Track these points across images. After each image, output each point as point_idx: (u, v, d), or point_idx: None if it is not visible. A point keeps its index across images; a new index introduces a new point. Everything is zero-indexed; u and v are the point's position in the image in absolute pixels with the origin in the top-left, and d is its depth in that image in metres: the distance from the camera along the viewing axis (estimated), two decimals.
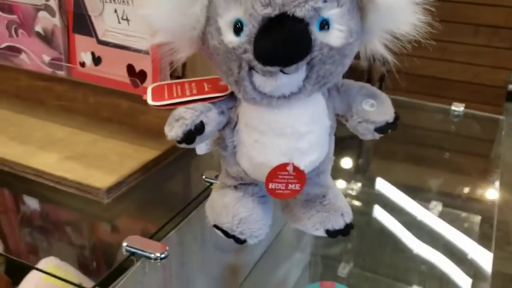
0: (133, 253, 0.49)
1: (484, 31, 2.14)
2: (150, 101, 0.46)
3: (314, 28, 0.38)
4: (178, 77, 0.64)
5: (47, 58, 0.69)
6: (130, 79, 0.63)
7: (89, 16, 0.63)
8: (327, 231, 0.50)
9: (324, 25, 0.38)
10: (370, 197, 0.86)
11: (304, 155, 0.45)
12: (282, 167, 0.45)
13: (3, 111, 0.74)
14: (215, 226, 0.49)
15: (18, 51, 0.71)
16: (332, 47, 0.39)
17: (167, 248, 0.49)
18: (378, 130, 0.45)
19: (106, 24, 0.63)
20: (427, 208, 0.83)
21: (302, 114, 0.44)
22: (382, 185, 0.87)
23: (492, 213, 0.76)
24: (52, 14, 0.66)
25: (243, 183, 0.50)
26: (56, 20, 0.66)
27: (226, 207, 0.49)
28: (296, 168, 0.45)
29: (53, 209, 0.60)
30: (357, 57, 0.47)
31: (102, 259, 0.57)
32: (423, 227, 0.80)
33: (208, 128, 0.44)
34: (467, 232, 0.78)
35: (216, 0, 0.40)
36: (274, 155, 0.44)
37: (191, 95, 0.46)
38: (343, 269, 0.81)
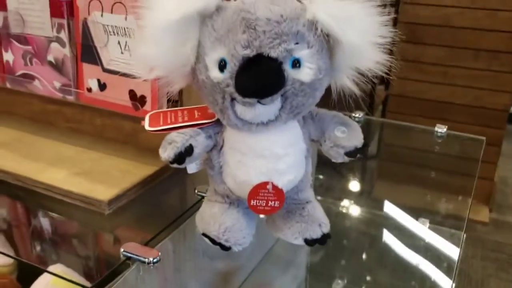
0: (129, 258, 0.55)
1: (485, 56, 2.17)
2: (147, 127, 0.53)
3: (287, 66, 0.44)
4: (175, 102, 0.70)
5: (58, 84, 0.76)
6: (131, 103, 0.69)
7: (96, 47, 0.70)
8: (305, 240, 0.54)
9: (296, 63, 0.44)
10: (363, 215, 0.89)
11: (282, 175, 0.50)
12: (263, 185, 0.50)
13: (18, 132, 0.81)
14: (204, 234, 0.54)
15: (32, 78, 0.78)
16: (303, 82, 0.45)
17: (160, 253, 0.54)
18: (348, 154, 0.50)
19: (111, 54, 0.69)
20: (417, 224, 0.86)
21: (279, 139, 0.49)
22: (388, 207, 0.89)
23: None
24: (63, 45, 0.73)
25: (229, 201, 0.55)
26: (66, 51, 0.73)
27: (213, 216, 0.54)
28: (275, 187, 0.50)
29: (59, 219, 0.66)
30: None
31: (103, 265, 0.62)
32: (417, 244, 0.82)
33: (196, 151, 0.50)
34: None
35: (204, 41, 0.46)
36: (255, 174, 0.50)
37: (183, 121, 0.52)
38: (337, 286, 0.84)
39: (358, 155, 0.50)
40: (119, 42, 0.68)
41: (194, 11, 0.45)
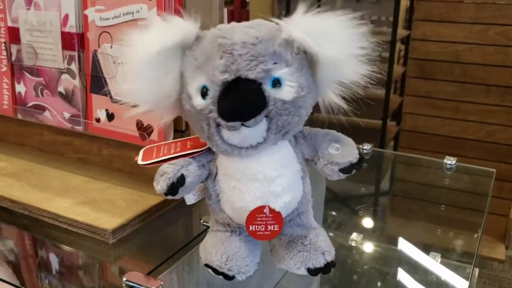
0: (131, 287, 0.54)
1: (496, 91, 2.16)
2: (139, 161, 0.54)
3: (267, 86, 0.44)
4: (181, 131, 0.71)
5: (67, 115, 0.77)
6: (139, 133, 0.70)
7: (104, 78, 0.72)
8: (308, 269, 0.53)
9: (276, 83, 0.45)
10: (374, 250, 0.87)
11: (278, 197, 0.50)
12: (259, 209, 0.49)
13: (27, 162, 0.81)
14: (206, 265, 0.54)
15: (43, 109, 0.80)
16: (285, 101, 0.45)
17: (162, 282, 0.54)
18: (343, 170, 0.49)
19: (119, 85, 0.71)
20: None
21: (271, 161, 0.49)
22: (400, 243, 0.87)
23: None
24: (73, 76, 0.75)
25: (230, 229, 0.55)
26: (76, 82, 0.75)
27: (215, 246, 0.54)
28: (272, 210, 0.50)
29: (64, 248, 0.66)
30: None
31: None
32: (429, 280, 0.80)
33: (188, 180, 0.50)
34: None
35: (185, 71, 0.47)
36: (250, 199, 0.50)
37: (175, 152, 0.53)
38: None
39: (354, 171, 0.50)
40: None
41: (172, 44, 0.46)
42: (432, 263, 0.82)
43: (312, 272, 0.53)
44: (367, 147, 1.00)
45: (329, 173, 0.50)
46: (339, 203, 0.93)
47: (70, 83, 0.76)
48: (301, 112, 0.47)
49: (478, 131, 2.20)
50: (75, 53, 0.74)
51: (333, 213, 0.90)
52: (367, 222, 0.91)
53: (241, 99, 0.44)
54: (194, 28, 0.47)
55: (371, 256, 0.78)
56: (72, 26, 0.73)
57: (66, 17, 0.73)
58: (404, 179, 1.06)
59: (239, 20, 0.49)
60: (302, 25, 0.45)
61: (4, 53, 0.82)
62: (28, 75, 0.80)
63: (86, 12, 0.71)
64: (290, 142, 0.51)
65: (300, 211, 0.54)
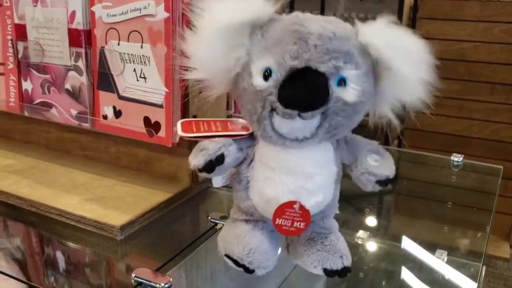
0: (140, 283, 0.54)
1: (501, 89, 2.16)
2: (180, 132, 0.52)
3: (332, 83, 0.44)
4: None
5: (74, 112, 0.77)
6: (146, 130, 0.70)
7: (112, 75, 0.72)
8: (325, 270, 0.52)
9: (342, 82, 0.44)
10: (379, 248, 0.87)
11: (311, 195, 0.49)
12: (289, 204, 0.49)
13: (34, 159, 0.81)
14: (226, 256, 0.53)
15: (50, 106, 0.80)
16: (346, 102, 0.44)
17: (171, 279, 0.54)
18: (379, 182, 0.48)
19: (126, 81, 0.71)
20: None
21: (312, 157, 0.49)
22: (405, 242, 0.87)
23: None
24: (80, 73, 0.75)
25: (253, 219, 0.54)
26: (83, 79, 0.75)
27: (237, 237, 0.53)
28: (302, 207, 0.49)
29: (72, 245, 0.66)
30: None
31: None
32: (435, 278, 0.80)
33: (227, 160, 0.49)
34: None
35: (252, 49, 0.46)
36: (283, 192, 0.49)
37: (216, 131, 0.52)
38: None
39: (389, 185, 0.49)
40: (134, 70, 0.69)
41: (247, 20, 0.45)
42: (438, 261, 0.82)
43: (329, 273, 0.52)
44: None
45: (365, 182, 0.49)
46: (344, 202, 0.92)
47: (77, 80, 0.75)
48: (356, 117, 0.47)
49: (482, 130, 2.20)
50: (82, 50, 0.73)
51: (337, 211, 0.90)
52: (373, 221, 0.91)
53: (306, 89, 0.43)
54: (270, 9, 0.47)
55: (377, 254, 0.78)
56: (79, 23, 0.73)
57: (73, 13, 0.73)
58: (412, 177, 1.05)
59: None
60: (381, 34, 0.44)
61: (11, 50, 0.82)
62: (35, 72, 0.80)
63: (93, 8, 0.71)
64: (332, 144, 0.51)
65: (325, 214, 0.53)
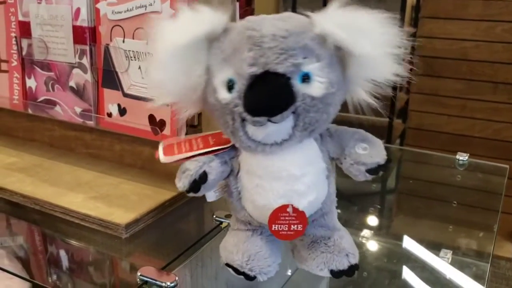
0: (145, 282, 0.54)
1: (503, 89, 2.15)
2: (161, 158, 0.53)
3: (296, 81, 0.43)
4: (194, 126, 0.70)
5: (78, 110, 0.77)
6: (151, 128, 0.70)
7: (116, 72, 0.71)
8: (331, 271, 0.52)
9: (306, 78, 0.43)
10: (382, 247, 0.87)
11: (302, 197, 0.48)
12: (282, 208, 0.48)
13: (38, 158, 0.81)
14: (227, 265, 0.53)
15: (54, 103, 0.80)
16: (314, 97, 0.43)
17: (177, 278, 0.54)
18: (370, 171, 0.48)
19: (131, 79, 0.70)
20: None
21: (296, 158, 0.48)
22: (408, 242, 0.86)
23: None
24: (85, 71, 0.75)
25: (251, 228, 0.54)
26: (88, 76, 0.75)
27: (236, 245, 0.53)
28: (295, 209, 0.48)
29: (76, 243, 0.66)
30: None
31: None
32: (439, 279, 0.79)
33: (211, 177, 0.49)
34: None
35: (211, 64, 0.46)
36: (273, 197, 0.48)
37: (198, 149, 0.51)
38: None
39: (381, 172, 0.48)
40: (139, 67, 0.69)
41: (200, 35, 0.45)
42: (443, 262, 0.81)
43: (336, 274, 0.52)
44: None
45: (355, 173, 0.48)
46: (346, 201, 0.92)
47: (81, 77, 0.75)
48: (330, 109, 0.46)
49: (485, 129, 2.19)
50: (87, 47, 0.73)
51: (339, 210, 0.89)
52: (378, 220, 0.91)
53: (269, 94, 0.42)
54: (222, 20, 0.46)
55: (381, 254, 0.77)
56: (83, 20, 0.72)
57: (78, 10, 0.73)
58: (417, 176, 1.05)
59: (243, 16, 0.48)
60: (336, 19, 0.43)
61: (15, 47, 0.81)
62: (39, 69, 0.80)
63: (98, 5, 0.71)
64: (316, 140, 0.50)
65: (324, 211, 0.52)
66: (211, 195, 0.55)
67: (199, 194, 0.50)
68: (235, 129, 0.45)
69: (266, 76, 0.42)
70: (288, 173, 0.48)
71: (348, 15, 0.44)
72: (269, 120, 0.43)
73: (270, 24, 0.44)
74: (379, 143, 0.50)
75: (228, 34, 0.46)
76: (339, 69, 0.45)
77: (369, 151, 0.48)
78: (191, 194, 0.49)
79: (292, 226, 0.49)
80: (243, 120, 0.44)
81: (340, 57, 0.45)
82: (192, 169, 0.48)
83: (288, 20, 0.45)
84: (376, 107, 0.47)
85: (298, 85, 0.43)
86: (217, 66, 0.46)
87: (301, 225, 0.49)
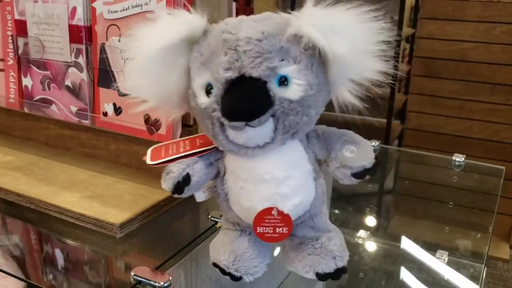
0: (139, 282, 0.54)
1: (501, 90, 2.16)
2: (148, 161, 0.53)
3: (272, 85, 0.42)
4: (189, 126, 0.70)
5: (74, 109, 0.77)
6: (146, 127, 0.70)
7: (112, 72, 0.71)
8: (317, 274, 0.51)
9: (283, 81, 0.42)
10: (379, 248, 0.87)
11: (287, 199, 0.48)
12: (267, 211, 0.48)
13: (33, 156, 0.81)
14: (214, 264, 0.53)
15: (50, 102, 0.79)
16: (291, 101, 0.43)
17: (171, 278, 0.53)
18: (355, 175, 0.46)
19: (126, 80, 0.70)
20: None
21: (279, 161, 0.47)
22: (405, 242, 0.86)
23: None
24: (81, 70, 0.74)
25: (240, 228, 0.54)
26: (84, 75, 0.74)
27: (224, 245, 0.53)
28: (280, 212, 0.48)
29: (71, 242, 0.65)
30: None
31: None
32: (435, 279, 0.79)
33: (194, 179, 0.49)
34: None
35: (191, 68, 0.46)
36: (258, 200, 0.48)
37: (184, 151, 0.51)
38: None
39: (368, 176, 0.46)
40: None
41: (178, 38, 0.44)
42: (439, 262, 0.81)
43: (321, 277, 0.51)
44: (374, 143, 0.99)
45: (341, 177, 0.47)
46: (343, 202, 0.92)
47: (77, 76, 0.75)
48: (311, 111, 0.45)
49: (483, 130, 2.20)
50: (83, 46, 0.73)
51: (336, 211, 0.89)
52: (375, 221, 0.91)
53: (244, 99, 0.42)
54: (201, 22, 0.46)
55: (378, 254, 0.77)
56: (79, 19, 0.72)
57: (74, 9, 0.72)
58: (412, 177, 1.05)
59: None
60: (312, 19, 0.42)
61: (11, 46, 0.81)
62: (35, 68, 0.80)
63: (94, 4, 0.71)
64: (302, 141, 0.49)
65: (312, 213, 0.51)
66: (200, 196, 0.55)
67: (184, 195, 0.50)
68: (216, 133, 0.45)
69: (242, 81, 0.42)
70: (272, 176, 0.47)
71: (323, 13, 0.43)
72: (247, 125, 0.42)
73: (247, 26, 0.43)
74: (368, 146, 0.48)
75: (207, 37, 0.45)
76: (320, 70, 0.44)
77: (356, 154, 0.46)
78: (176, 196, 0.50)
79: (277, 228, 0.48)
80: (223, 124, 0.44)
81: (321, 58, 0.44)
82: (175, 171, 0.48)
83: (265, 22, 0.44)
84: (360, 107, 0.46)
85: (275, 89, 0.42)
86: (196, 70, 0.45)
87: (287, 228, 0.48)
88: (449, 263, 0.77)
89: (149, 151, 0.54)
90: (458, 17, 2.15)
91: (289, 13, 0.45)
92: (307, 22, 0.42)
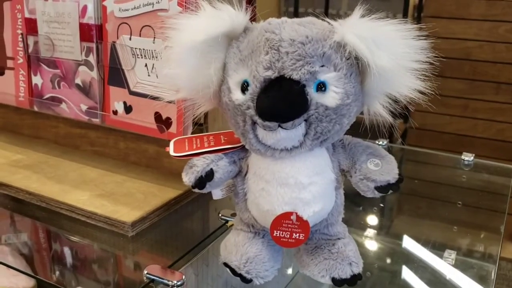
0: (152, 280, 0.54)
1: (506, 89, 2.15)
2: (172, 152, 0.52)
3: (310, 89, 0.42)
4: (200, 124, 0.70)
5: (84, 107, 0.77)
6: (157, 125, 0.70)
7: (123, 70, 0.71)
8: (333, 279, 0.50)
9: (321, 86, 0.42)
10: (383, 248, 0.87)
11: (307, 206, 0.47)
12: (286, 215, 0.47)
13: (43, 155, 0.81)
14: (225, 264, 0.53)
15: (60, 101, 0.79)
16: (327, 107, 0.43)
17: (184, 276, 0.53)
18: (379, 189, 0.46)
19: (137, 76, 0.70)
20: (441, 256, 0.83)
21: (304, 167, 0.47)
22: (412, 242, 0.86)
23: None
24: (91, 68, 0.74)
25: (254, 231, 0.53)
26: (94, 74, 0.74)
27: (236, 245, 0.52)
28: (299, 218, 0.47)
29: (82, 241, 0.65)
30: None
31: (126, 287, 0.61)
32: (442, 280, 0.79)
33: (217, 175, 0.49)
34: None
35: (229, 63, 0.46)
36: (278, 203, 0.47)
37: (209, 146, 0.51)
38: None
39: (391, 191, 0.46)
40: (146, 65, 0.68)
41: (220, 33, 0.44)
42: (446, 263, 0.81)
43: (337, 282, 0.50)
44: (382, 142, 0.99)
45: (364, 189, 0.47)
46: (348, 201, 0.92)
47: (87, 75, 0.75)
48: (343, 120, 0.45)
49: (487, 129, 2.19)
50: (93, 45, 0.73)
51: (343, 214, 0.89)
52: (382, 220, 0.91)
53: (281, 99, 0.42)
54: (244, 19, 0.45)
55: (385, 254, 0.77)
56: (90, 17, 0.72)
57: (85, 8, 0.72)
58: (421, 176, 1.05)
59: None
60: (356, 29, 0.42)
61: (21, 44, 0.81)
62: (45, 66, 0.80)
63: (105, 3, 0.71)
64: (328, 149, 0.49)
65: (329, 222, 0.51)
66: (217, 193, 0.55)
67: (204, 191, 0.50)
68: (246, 131, 0.45)
69: (281, 81, 0.42)
70: (296, 181, 0.47)
71: (369, 25, 0.42)
72: (280, 126, 0.42)
73: (291, 28, 0.43)
74: (393, 160, 0.48)
75: (247, 34, 0.45)
76: (357, 80, 0.44)
77: (381, 168, 0.47)
78: (196, 190, 0.49)
79: (294, 234, 0.48)
80: (254, 123, 0.44)
81: (359, 68, 0.44)
82: (199, 165, 0.48)
83: (309, 26, 0.44)
84: (390, 123, 0.46)
85: (312, 93, 0.42)
86: (234, 66, 0.45)
87: (303, 234, 0.48)
88: (457, 263, 0.76)
89: (171, 143, 0.53)
90: (462, 15, 2.14)
91: (332, 20, 0.44)
92: (352, 31, 0.42)
